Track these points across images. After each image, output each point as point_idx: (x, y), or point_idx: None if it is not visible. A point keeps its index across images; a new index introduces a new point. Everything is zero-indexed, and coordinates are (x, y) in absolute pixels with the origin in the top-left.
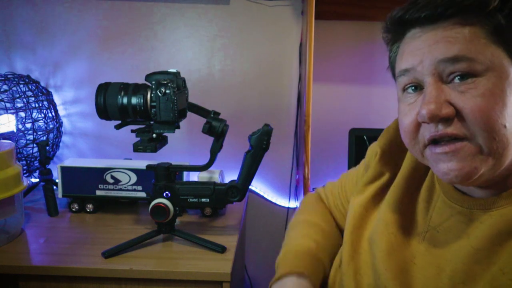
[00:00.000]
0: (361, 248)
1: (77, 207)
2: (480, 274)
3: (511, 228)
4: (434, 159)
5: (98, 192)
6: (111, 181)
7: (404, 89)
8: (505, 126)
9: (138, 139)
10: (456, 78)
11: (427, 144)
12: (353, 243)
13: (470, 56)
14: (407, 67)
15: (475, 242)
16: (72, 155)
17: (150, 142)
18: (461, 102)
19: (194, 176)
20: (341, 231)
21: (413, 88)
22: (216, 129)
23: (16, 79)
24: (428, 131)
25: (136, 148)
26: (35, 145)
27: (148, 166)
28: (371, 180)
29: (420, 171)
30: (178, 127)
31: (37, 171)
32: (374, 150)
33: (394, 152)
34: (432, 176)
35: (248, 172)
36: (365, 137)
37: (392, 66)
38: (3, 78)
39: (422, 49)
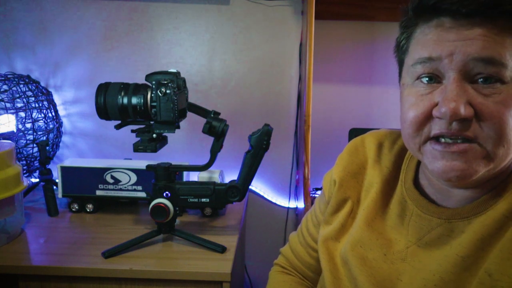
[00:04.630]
0: (340, 274)
1: (77, 207)
2: (469, 281)
3: (492, 232)
4: (434, 155)
5: (98, 192)
6: (111, 181)
7: (418, 78)
8: None
9: (138, 139)
10: (480, 79)
11: (430, 139)
12: (331, 271)
13: (503, 62)
14: (432, 55)
15: (461, 250)
16: (72, 155)
17: (150, 142)
18: (483, 105)
19: (194, 176)
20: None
21: (427, 79)
22: (216, 129)
23: (16, 79)
24: (438, 127)
25: (136, 148)
26: (35, 145)
27: (148, 166)
28: (335, 210)
29: (388, 185)
30: (178, 127)
31: (37, 171)
32: (331, 179)
33: (352, 174)
34: (401, 189)
35: (248, 172)
36: None
37: (401, 50)
38: (3, 78)
39: (455, 42)
